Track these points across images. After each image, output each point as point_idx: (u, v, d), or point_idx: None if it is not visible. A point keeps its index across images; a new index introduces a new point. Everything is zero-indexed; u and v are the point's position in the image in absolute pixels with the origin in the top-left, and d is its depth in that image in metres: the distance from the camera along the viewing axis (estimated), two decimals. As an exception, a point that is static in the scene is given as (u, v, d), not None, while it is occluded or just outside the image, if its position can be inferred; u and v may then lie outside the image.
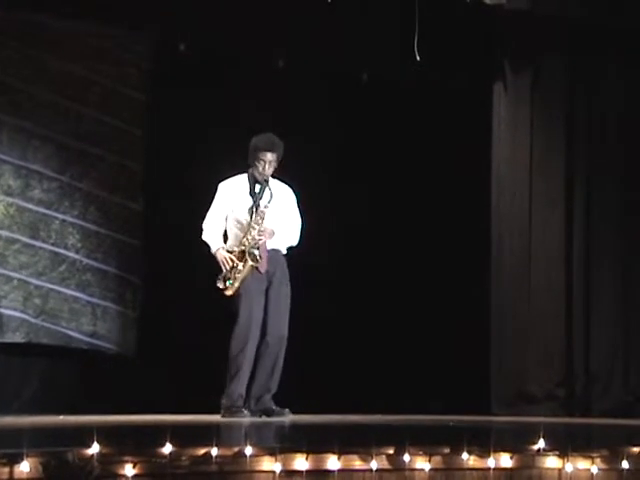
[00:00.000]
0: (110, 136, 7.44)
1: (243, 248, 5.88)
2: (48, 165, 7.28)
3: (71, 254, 7.30)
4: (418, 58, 6.60)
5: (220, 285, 5.89)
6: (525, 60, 7.48)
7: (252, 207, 5.92)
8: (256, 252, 5.85)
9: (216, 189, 6.09)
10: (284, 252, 6.07)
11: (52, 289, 7.23)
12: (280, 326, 5.93)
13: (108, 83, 7.43)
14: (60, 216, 7.29)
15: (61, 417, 5.90)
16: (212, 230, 6.03)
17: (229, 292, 5.89)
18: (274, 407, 5.89)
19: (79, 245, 7.33)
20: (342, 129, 7.78)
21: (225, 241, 6.05)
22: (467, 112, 7.65)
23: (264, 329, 5.91)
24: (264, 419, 5.80)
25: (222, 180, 6.11)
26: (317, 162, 7.64)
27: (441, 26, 6.98)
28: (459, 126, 7.69)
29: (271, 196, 5.91)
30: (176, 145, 7.42)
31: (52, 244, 7.25)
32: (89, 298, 7.34)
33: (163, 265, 7.35)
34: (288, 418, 5.82)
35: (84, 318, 7.30)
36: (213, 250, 5.99)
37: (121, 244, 7.49)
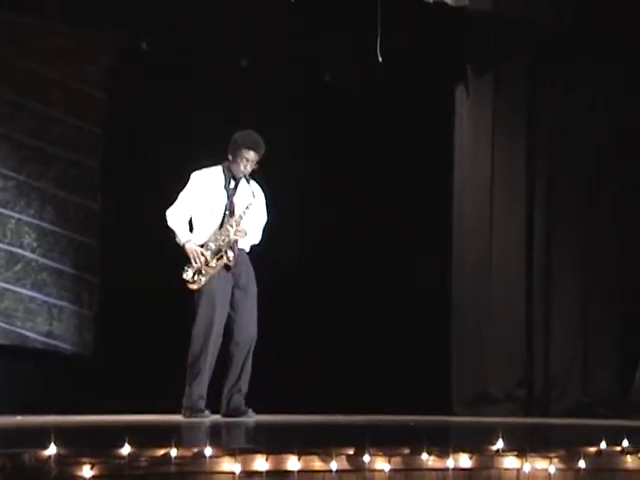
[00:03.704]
0: (68, 135, 7.39)
1: (219, 247, 5.83)
2: (4, 163, 7.21)
3: (27, 253, 7.23)
4: (380, 60, 6.61)
5: (188, 278, 5.83)
6: (488, 63, 7.51)
7: (228, 204, 5.87)
8: (230, 253, 5.84)
9: (189, 177, 5.99)
10: (247, 250, 6.04)
11: (7, 289, 7.16)
12: (250, 326, 5.90)
13: (68, 81, 7.36)
14: (16, 215, 7.22)
15: (17, 418, 5.83)
16: (180, 219, 5.93)
17: (195, 286, 5.84)
18: (241, 407, 5.87)
19: (35, 245, 7.27)
20: (304, 129, 7.78)
21: (191, 231, 5.97)
22: (429, 114, 7.67)
23: (233, 329, 5.88)
24: (225, 420, 5.78)
25: (196, 170, 6.02)
26: (280, 161, 7.62)
27: (403, 27, 6.99)
28: (421, 128, 7.71)
29: (254, 196, 5.88)
30: (136, 144, 7.37)
31: (7, 243, 7.18)
32: (45, 298, 7.28)
33: (121, 265, 7.29)
34: (252, 418, 5.81)
35: (40, 318, 7.24)
36: (182, 241, 5.89)
37: (78, 244, 7.43)
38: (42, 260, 7.29)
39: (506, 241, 7.50)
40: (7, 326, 7.15)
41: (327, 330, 7.64)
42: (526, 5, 7.15)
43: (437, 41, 7.46)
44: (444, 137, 7.62)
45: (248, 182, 5.94)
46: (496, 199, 7.52)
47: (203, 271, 5.82)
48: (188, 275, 5.82)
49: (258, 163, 5.95)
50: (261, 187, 6.10)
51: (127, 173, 7.35)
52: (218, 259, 5.83)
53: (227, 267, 5.86)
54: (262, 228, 6.08)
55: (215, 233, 5.88)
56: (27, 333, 7.22)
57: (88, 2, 6.86)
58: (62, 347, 7.33)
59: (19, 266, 7.21)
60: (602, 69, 7.38)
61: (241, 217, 5.86)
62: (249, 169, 5.91)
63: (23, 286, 7.21)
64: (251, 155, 5.88)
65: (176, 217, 5.93)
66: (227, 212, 5.89)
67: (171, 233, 5.94)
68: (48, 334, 7.28)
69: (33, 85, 7.25)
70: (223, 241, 5.84)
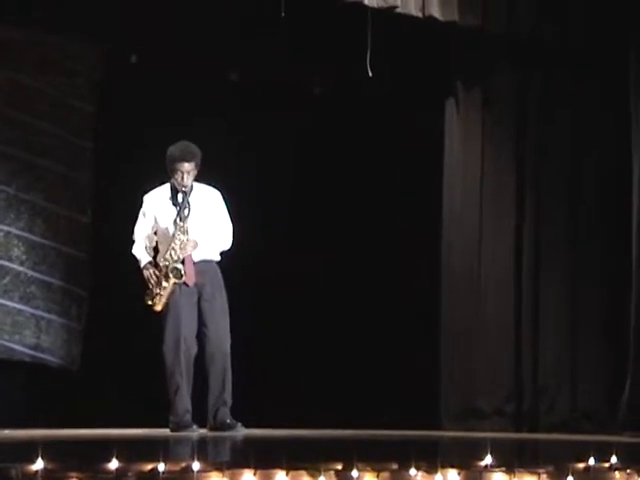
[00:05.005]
0: (58, 147, 7.38)
1: (167, 263, 5.81)
2: (-6, 176, 7.19)
3: (15, 266, 7.21)
4: (370, 74, 6.62)
5: (148, 302, 5.85)
6: (477, 77, 7.54)
7: (176, 218, 5.85)
8: (179, 267, 5.78)
9: (142, 202, 6.02)
10: (216, 259, 5.98)
11: (-6, 302, 7.14)
12: (222, 338, 5.87)
13: (57, 94, 7.36)
14: (5, 228, 7.21)
15: (5, 432, 5.80)
16: (139, 244, 5.98)
17: (158, 308, 5.85)
18: (228, 421, 5.84)
19: (24, 257, 7.25)
20: (294, 142, 7.79)
21: (157, 254, 5.98)
22: (419, 128, 7.69)
23: (206, 343, 5.87)
24: (214, 434, 5.76)
25: (146, 192, 6.04)
26: (270, 173, 7.65)
27: (393, 42, 7.01)
28: (411, 142, 7.73)
29: (189, 209, 5.82)
30: (125, 157, 7.37)
31: (-4, 256, 7.16)
32: (33, 310, 7.26)
33: (110, 278, 7.27)
34: (240, 433, 5.78)
35: (27, 331, 7.21)
36: (141, 265, 5.94)
37: (67, 257, 7.42)
38: (31, 273, 7.28)
39: (495, 255, 7.51)
40: (-5, 339, 7.13)
41: (315, 344, 7.63)
42: (515, 20, 7.16)
43: (427, 55, 7.48)
44: (434, 151, 7.63)
45: (189, 194, 5.85)
46: (485, 212, 7.53)
47: (159, 292, 5.81)
48: (148, 299, 5.83)
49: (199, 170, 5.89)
50: (221, 192, 6.03)
51: (117, 186, 7.34)
52: (168, 277, 5.80)
53: (184, 282, 5.83)
54: (229, 233, 5.98)
55: (164, 251, 5.86)
56: (14, 346, 7.19)
57: (78, 15, 6.86)
58: (50, 360, 7.30)
59: (7, 279, 7.19)
60: (587, 84, 7.43)
61: (182, 230, 5.80)
62: (188, 181, 5.85)
63: (11, 299, 7.19)
64: (185, 166, 5.83)
65: (136, 243, 5.98)
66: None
67: (136, 261, 5.97)
68: (36, 347, 7.26)
69: (22, 98, 7.24)
70: (170, 258, 5.80)
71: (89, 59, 7.43)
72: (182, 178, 5.83)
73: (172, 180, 5.92)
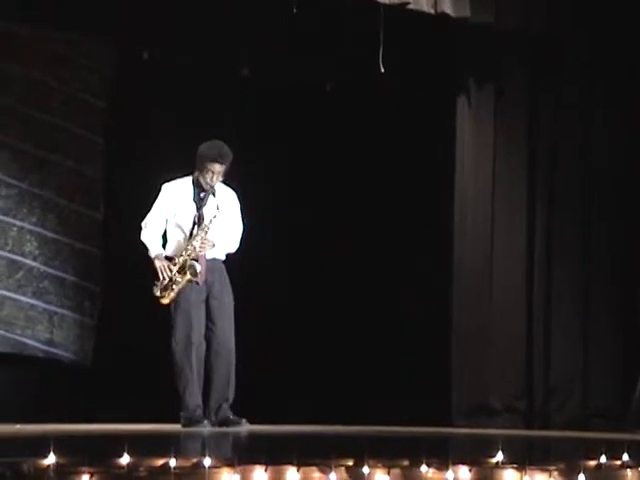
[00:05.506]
0: (70, 143, 7.40)
1: (183, 260, 5.80)
2: (7, 171, 7.21)
3: (28, 261, 7.24)
4: (382, 70, 6.62)
5: (157, 293, 5.84)
6: (488, 73, 7.52)
7: (196, 216, 5.85)
8: (197, 265, 5.78)
9: (159, 189, 5.99)
10: (223, 258, 5.98)
11: (8, 296, 7.17)
12: (228, 335, 5.89)
13: (69, 90, 7.38)
14: (18, 223, 7.23)
15: (17, 426, 5.82)
16: (151, 232, 5.93)
17: (166, 301, 5.85)
18: (231, 417, 5.85)
19: (37, 252, 7.28)
20: (305, 138, 7.79)
21: (164, 244, 5.97)
22: (431, 126, 7.68)
23: (212, 340, 5.88)
24: (223, 429, 5.77)
25: (166, 181, 6.01)
26: (282, 170, 7.65)
27: (406, 38, 7.01)
28: (423, 139, 7.72)
29: (218, 209, 5.82)
30: (138, 153, 7.38)
31: (9, 251, 7.19)
32: (46, 306, 7.28)
33: (122, 273, 7.29)
34: (245, 428, 5.79)
35: (40, 326, 7.25)
36: (152, 255, 5.90)
37: (80, 252, 7.44)
38: (44, 268, 7.30)
39: (507, 254, 7.49)
40: (7, 334, 7.15)
41: (327, 340, 7.64)
42: (528, 18, 7.15)
43: (439, 52, 7.47)
44: (446, 149, 7.62)
45: (214, 194, 5.85)
46: (497, 211, 7.52)
47: (170, 286, 5.80)
48: (157, 291, 5.82)
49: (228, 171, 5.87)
50: (237, 194, 6.03)
51: (128, 182, 7.36)
52: (183, 274, 5.79)
53: (197, 281, 5.82)
54: (239, 236, 5.99)
55: (182, 246, 5.85)
56: (27, 341, 7.22)
57: (90, 12, 6.87)
58: (62, 355, 7.33)
59: (20, 274, 7.22)
60: (598, 81, 7.42)
61: (206, 230, 5.79)
62: (215, 181, 5.84)
63: (24, 294, 7.22)
64: (216, 167, 5.81)
65: (147, 230, 5.93)
66: (195, 224, 5.85)
67: (144, 247, 5.94)
68: (49, 342, 7.29)
69: (34, 94, 7.26)
70: (189, 254, 5.80)
71: (101, 56, 7.45)
72: (211, 178, 5.83)
73: (197, 176, 5.89)
